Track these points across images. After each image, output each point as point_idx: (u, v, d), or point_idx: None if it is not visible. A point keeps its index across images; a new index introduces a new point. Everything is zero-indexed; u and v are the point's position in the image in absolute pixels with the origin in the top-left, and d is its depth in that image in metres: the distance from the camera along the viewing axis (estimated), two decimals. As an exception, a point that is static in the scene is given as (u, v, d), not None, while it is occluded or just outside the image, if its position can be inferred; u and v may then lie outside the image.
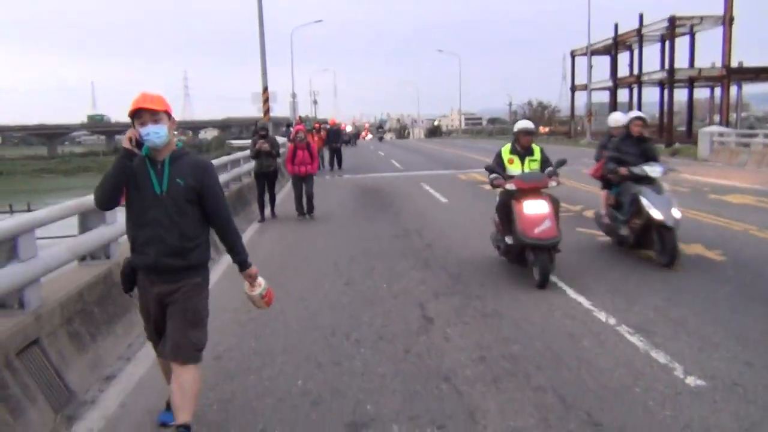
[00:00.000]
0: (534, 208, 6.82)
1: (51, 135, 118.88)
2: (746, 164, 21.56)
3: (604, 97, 60.73)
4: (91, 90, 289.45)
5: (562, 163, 7.48)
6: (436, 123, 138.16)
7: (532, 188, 6.98)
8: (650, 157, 7.91)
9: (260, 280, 3.75)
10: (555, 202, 7.08)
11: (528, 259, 6.93)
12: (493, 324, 5.61)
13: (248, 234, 10.88)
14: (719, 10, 43.13)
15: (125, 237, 5.63)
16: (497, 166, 7.36)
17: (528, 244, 6.69)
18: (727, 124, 42.28)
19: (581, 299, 6.21)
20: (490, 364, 4.70)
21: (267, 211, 12.47)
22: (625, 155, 7.90)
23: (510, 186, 7.02)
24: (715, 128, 26.79)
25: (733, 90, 59.03)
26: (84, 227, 5.76)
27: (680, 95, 53.85)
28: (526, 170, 7.28)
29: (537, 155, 7.42)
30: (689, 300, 6.14)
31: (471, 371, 4.57)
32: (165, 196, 3.40)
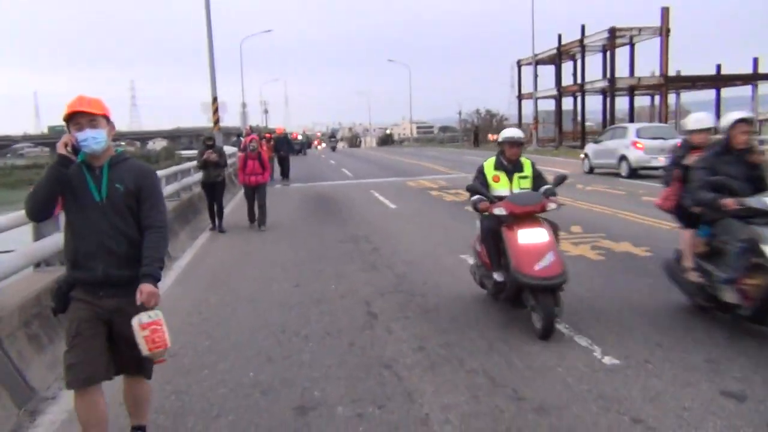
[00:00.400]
0: (531, 237, 5.54)
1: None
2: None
3: (550, 105, 62.27)
4: (34, 100, 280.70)
5: (561, 179, 6.42)
6: (388, 132, 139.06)
7: (526, 213, 5.71)
8: (763, 181, 5.37)
9: (156, 312, 3.21)
10: (555, 229, 5.94)
11: (525, 302, 5.57)
12: (433, 318, 6.02)
13: (199, 242, 11.07)
14: (658, 22, 44.93)
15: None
16: (480, 186, 6.03)
17: (526, 284, 5.33)
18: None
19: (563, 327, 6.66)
20: (428, 352, 5.09)
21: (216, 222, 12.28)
22: (726, 178, 5.28)
23: (499, 210, 5.70)
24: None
25: (674, 98, 61.51)
26: (38, 234, 5.92)
27: (623, 103, 55.68)
28: (516, 189, 6.06)
29: (528, 170, 6.26)
30: (613, 293, 6.67)
31: (410, 359, 4.96)
32: (105, 202, 3.22)
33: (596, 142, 23.42)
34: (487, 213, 5.89)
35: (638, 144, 19.74)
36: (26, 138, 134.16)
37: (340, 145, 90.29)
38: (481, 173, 6.18)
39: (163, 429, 3.96)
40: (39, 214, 3.30)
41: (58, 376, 4.82)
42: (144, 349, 3.13)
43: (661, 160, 15.23)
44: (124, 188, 3.25)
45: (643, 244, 8.95)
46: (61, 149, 3.13)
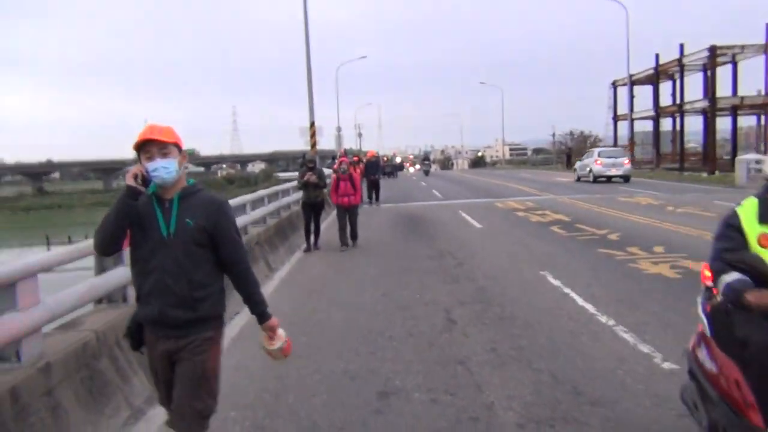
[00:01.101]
0: None
1: (106, 169, 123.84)
2: (782, 191, 21.84)
3: (648, 126, 60.67)
4: (172, 127, 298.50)
5: None
6: (480, 154, 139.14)
7: None
8: None
9: (280, 332, 3.35)
10: None
11: None
12: (507, 325, 6.53)
13: (295, 257, 11.96)
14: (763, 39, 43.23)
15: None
16: (739, 254, 3.06)
17: None
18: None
19: (588, 305, 7.08)
20: (498, 353, 5.63)
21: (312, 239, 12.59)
22: None
23: None
24: (751, 156, 27.10)
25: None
26: (100, 267, 5.43)
27: (726, 123, 53.51)
28: None
29: None
30: (683, 306, 6.94)
31: (482, 358, 5.52)
32: (172, 238, 3.05)
33: (580, 161, 35.43)
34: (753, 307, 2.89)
35: (598, 161, 31.49)
36: (136, 161, 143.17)
37: (433, 168, 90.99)
38: (733, 229, 3.21)
39: (266, 404, 4.71)
40: (107, 248, 3.17)
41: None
42: (282, 357, 3.44)
43: (613, 171, 30.60)
44: (195, 223, 3.07)
45: (723, 264, 9.05)
46: (129, 180, 2.99)
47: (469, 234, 14.01)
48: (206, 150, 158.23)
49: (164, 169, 3.02)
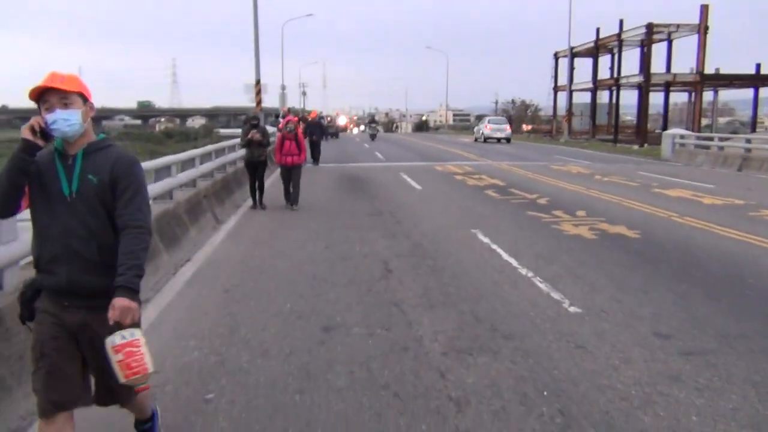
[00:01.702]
0: None
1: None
2: (702, 165, 23.39)
3: (588, 97, 62.45)
4: (78, 75, 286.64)
5: None
6: (424, 118, 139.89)
7: None
8: None
9: (132, 331, 2.71)
10: None
11: None
12: (438, 275, 7.23)
13: (242, 211, 12.37)
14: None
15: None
16: None
17: None
18: (698, 128, 44.30)
19: (511, 260, 7.85)
20: (429, 298, 6.33)
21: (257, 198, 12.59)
22: None
23: None
24: (676, 131, 28.64)
25: (723, 95, 61.05)
26: None
27: (661, 98, 55.61)
28: None
29: None
30: (595, 262, 7.80)
31: (414, 301, 6.20)
32: (75, 198, 2.77)
33: (476, 126, 49.58)
34: None
35: (488, 127, 43.98)
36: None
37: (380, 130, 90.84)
38: None
39: (221, 336, 5.26)
40: (1, 210, 2.83)
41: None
42: (119, 375, 2.69)
43: (497, 134, 42.75)
44: (99, 180, 2.78)
45: (636, 228, 10.01)
46: (25, 133, 2.69)
47: (408, 195, 14.68)
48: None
49: (64, 121, 2.70)
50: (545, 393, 4.16)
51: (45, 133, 2.69)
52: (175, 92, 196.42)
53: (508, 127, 44.37)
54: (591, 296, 6.36)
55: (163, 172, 9.00)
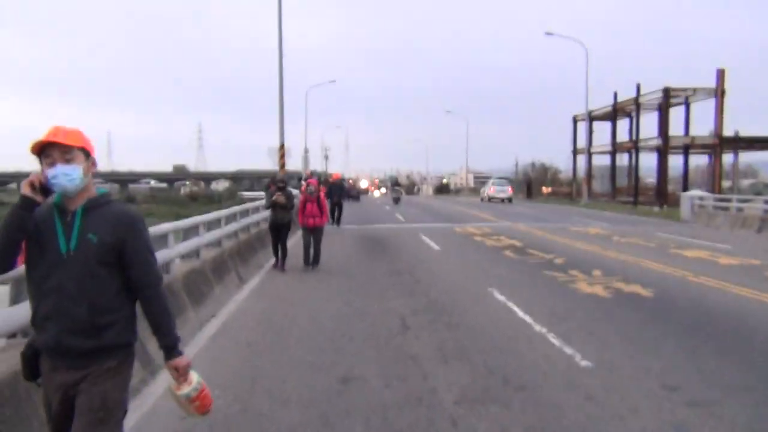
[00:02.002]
0: None
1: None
2: (721, 226, 23.45)
3: (607, 160, 62.83)
4: (107, 140, 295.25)
5: None
6: (444, 180, 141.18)
7: None
8: None
9: (192, 375, 2.98)
10: None
11: None
12: (454, 330, 7.45)
13: (261, 274, 12.30)
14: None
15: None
16: None
17: None
18: (719, 190, 44.31)
19: (526, 317, 8.04)
20: (444, 352, 6.54)
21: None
22: None
23: None
24: (695, 193, 28.81)
25: (747, 157, 61.03)
26: (16, 298, 4.83)
27: (680, 161, 55.82)
28: None
29: None
30: (608, 320, 7.98)
31: (430, 355, 6.42)
32: (72, 256, 2.71)
33: (483, 187, 54.32)
34: None
35: (491, 189, 49.55)
36: (99, 175, 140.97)
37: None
38: None
39: (244, 386, 5.52)
40: None
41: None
42: (195, 414, 3.11)
43: (500, 195, 48.29)
44: (99, 240, 2.73)
45: (650, 287, 10.17)
46: (25, 189, 2.66)
47: (427, 255, 14.97)
48: (169, 166, 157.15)
49: (65, 176, 2.67)
50: (553, 439, 4.34)
51: (45, 189, 2.68)
52: (200, 156, 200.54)
53: (509, 189, 50.39)
54: (602, 351, 6.54)
55: (191, 231, 9.41)
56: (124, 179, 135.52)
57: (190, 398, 2.95)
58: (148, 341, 6.04)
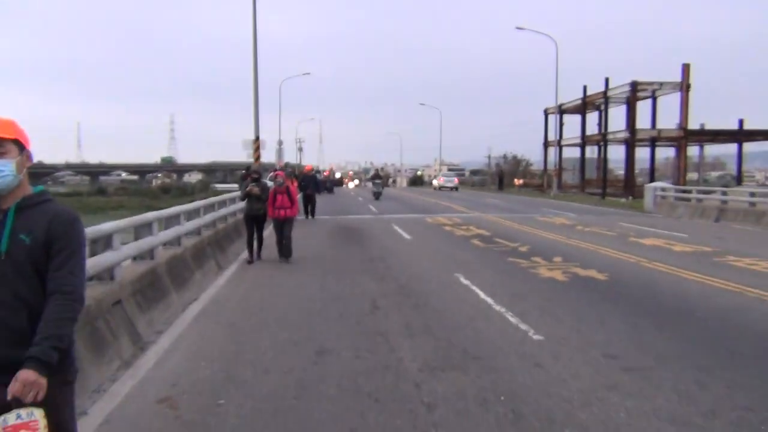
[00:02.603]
0: None
1: (34, 174, 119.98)
2: (682, 216, 24.42)
3: (577, 152, 64.05)
4: (76, 131, 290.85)
5: None
6: (419, 173, 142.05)
7: None
8: None
9: (32, 411, 2.33)
10: None
11: None
12: (421, 311, 8.07)
13: (239, 261, 12.84)
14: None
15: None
16: None
17: None
18: (684, 181, 45.62)
19: (488, 299, 8.69)
20: (411, 329, 7.15)
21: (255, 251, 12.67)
22: None
23: None
24: (658, 184, 29.83)
25: (716, 150, 62.51)
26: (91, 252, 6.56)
27: (648, 153, 57.18)
28: None
29: None
30: (563, 300, 8.66)
31: (398, 331, 7.02)
32: (4, 260, 2.49)
33: (434, 179, 66.16)
34: None
35: (440, 179, 63.09)
36: (68, 166, 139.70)
37: (370, 185, 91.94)
38: None
39: (228, 358, 6.06)
40: None
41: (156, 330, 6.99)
42: None
43: (449, 184, 60.64)
44: (32, 240, 2.51)
45: (605, 271, 10.89)
46: None
47: (399, 244, 15.57)
48: (140, 158, 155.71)
49: None
50: (502, 398, 4.97)
51: None
52: (172, 147, 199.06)
53: (456, 179, 63.76)
54: (554, 327, 7.20)
55: (172, 220, 9.87)
56: (94, 171, 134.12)
57: (6, 426, 2.31)
58: (137, 321, 6.58)
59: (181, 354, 6.25)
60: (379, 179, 40.64)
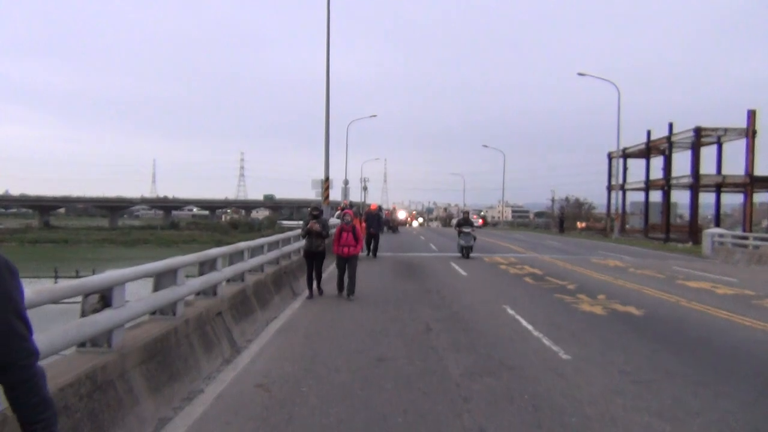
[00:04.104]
0: None
1: (112, 207, 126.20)
2: (739, 262, 24.74)
3: (642, 197, 63.76)
4: (152, 167, 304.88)
5: None
6: (482, 213, 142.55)
7: None
8: None
9: None
10: None
11: None
12: (468, 333, 9.33)
13: (284, 317, 12.23)
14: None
15: (192, 296, 7.58)
16: None
17: None
18: (750, 228, 45.11)
19: (529, 326, 9.86)
20: (457, 345, 8.43)
21: (314, 287, 13.00)
22: None
23: None
24: (716, 230, 30.06)
25: None
26: (157, 286, 6.58)
27: (713, 198, 56.54)
28: None
29: None
30: (596, 330, 9.75)
31: (446, 347, 8.31)
32: None
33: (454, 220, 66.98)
34: None
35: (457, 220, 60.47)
36: (143, 201, 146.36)
37: (434, 225, 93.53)
38: None
39: (306, 361, 7.48)
40: None
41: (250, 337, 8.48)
42: None
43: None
44: None
45: (643, 308, 11.86)
46: None
47: (455, 279, 16.82)
48: (210, 193, 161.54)
49: None
50: (526, 396, 6.20)
51: None
52: (241, 184, 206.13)
53: (480, 221, 78.10)
54: (582, 349, 8.34)
55: (257, 251, 11.47)
56: (167, 206, 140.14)
57: None
58: (233, 330, 8.08)
59: (268, 356, 7.72)
60: (469, 227, 24.48)
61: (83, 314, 4.93)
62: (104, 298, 5.03)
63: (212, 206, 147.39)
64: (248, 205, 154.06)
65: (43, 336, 4.04)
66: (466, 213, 25.79)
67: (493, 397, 6.16)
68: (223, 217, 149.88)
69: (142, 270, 5.80)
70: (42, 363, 3.95)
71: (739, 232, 31.49)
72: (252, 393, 6.21)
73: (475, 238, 23.67)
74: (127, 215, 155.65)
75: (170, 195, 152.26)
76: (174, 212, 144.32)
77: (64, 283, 4.48)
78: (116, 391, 4.82)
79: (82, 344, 4.94)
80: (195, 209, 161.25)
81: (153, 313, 6.56)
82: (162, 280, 6.58)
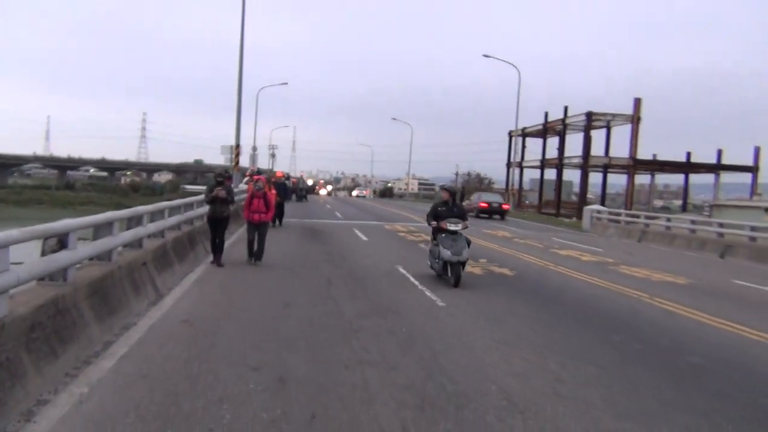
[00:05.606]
0: None
1: (1, 165, 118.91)
2: (612, 236, 27.62)
3: (538, 174, 67.45)
4: (46, 124, 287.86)
5: None
6: (389, 185, 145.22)
7: None
8: None
9: None
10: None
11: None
12: (363, 284, 10.83)
13: (199, 271, 11.76)
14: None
15: (85, 262, 7.43)
16: None
17: None
18: (630, 206, 49.21)
19: (413, 279, 11.48)
20: (353, 293, 9.92)
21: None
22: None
23: None
24: (594, 207, 33.14)
25: (676, 179, 66.22)
26: (96, 236, 7.31)
27: (601, 178, 60.87)
28: None
29: None
30: (472, 285, 11.50)
31: (344, 295, 9.78)
32: None
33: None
34: None
35: (356, 191, 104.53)
36: (36, 158, 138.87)
37: (341, 194, 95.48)
38: None
39: (223, 304, 8.73)
40: None
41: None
42: None
43: (361, 196, 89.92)
44: None
45: (515, 270, 13.77)
46: None
47: (356, 244, 18.33)
48: (112, 155, 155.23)
49: None
50: (404, 329, 7.75)
51: None
52: (143, 146, 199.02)
53: (365, 191, 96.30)
54: (455, 299, 10.02)
55: (174, 210, 12.42)
56: (63, 165, 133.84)
57: None
58: (156, 279, 9.22)
59: (189, 301, 8.93)
60: (460, 221, 12.31)
61: (43, 254, 6.00)
62: (61, 242, 6.12)
63: (112, 167, 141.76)
64: (150, 168, 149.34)
65: (18, 269, 5.16)
66: (450, 191, 13.42)
67: (378, 330, 7.68)
68: (123, 179, 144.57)
69: (89, 221, 6.93)
70: (13, 291, 5.25)
71: (613, 209, 34.71)
72: (179, 326, 7.44)
73: (469, 243, 12.04)
74: (18, 174, 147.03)
75: (65, 154, 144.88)
76: (69, 172, 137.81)
77: (37, 227, 5.57)
78: (72, 316, 5.96)
79: (41, 279, 5.99)
80: (92, 170, 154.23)
81: (91, 259, 7.59)
82: (101, 230, 7.63)
